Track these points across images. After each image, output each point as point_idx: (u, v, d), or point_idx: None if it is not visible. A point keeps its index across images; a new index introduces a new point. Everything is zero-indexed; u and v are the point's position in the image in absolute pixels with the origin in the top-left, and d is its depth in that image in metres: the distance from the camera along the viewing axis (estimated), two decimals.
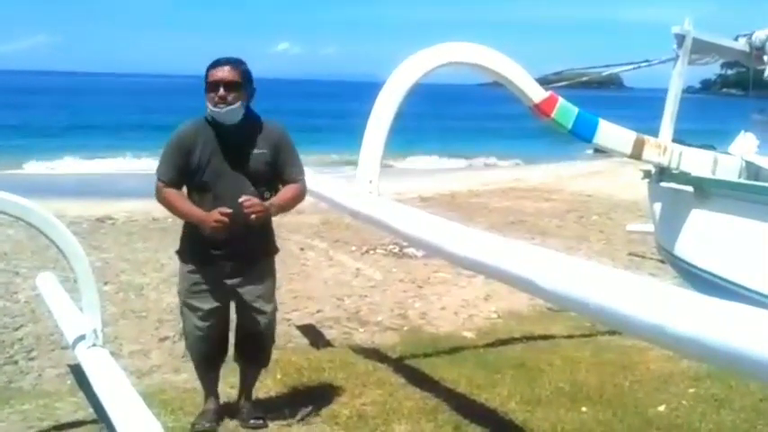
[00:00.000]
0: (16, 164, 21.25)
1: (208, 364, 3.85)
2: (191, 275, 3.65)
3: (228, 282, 3.61)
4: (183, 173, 3.55)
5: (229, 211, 3.36)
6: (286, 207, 3.61)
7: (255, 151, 3.51)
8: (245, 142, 3.51)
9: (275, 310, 3.79)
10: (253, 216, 3.38)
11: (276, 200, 3.53)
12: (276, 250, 3.80)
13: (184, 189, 3.61)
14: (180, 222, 3.70)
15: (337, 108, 48.81)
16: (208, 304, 3.65)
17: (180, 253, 3.72)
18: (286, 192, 3.58)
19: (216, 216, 3.38)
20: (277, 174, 3.59)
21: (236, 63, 3.51)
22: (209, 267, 3.59)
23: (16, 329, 5.59)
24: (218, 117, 3.47)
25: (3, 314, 5.94)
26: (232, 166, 3.49)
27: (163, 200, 3.59)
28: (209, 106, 3.46)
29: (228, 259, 3.56)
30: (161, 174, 3.58)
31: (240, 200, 3.36)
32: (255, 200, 3.41)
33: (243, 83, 3.48)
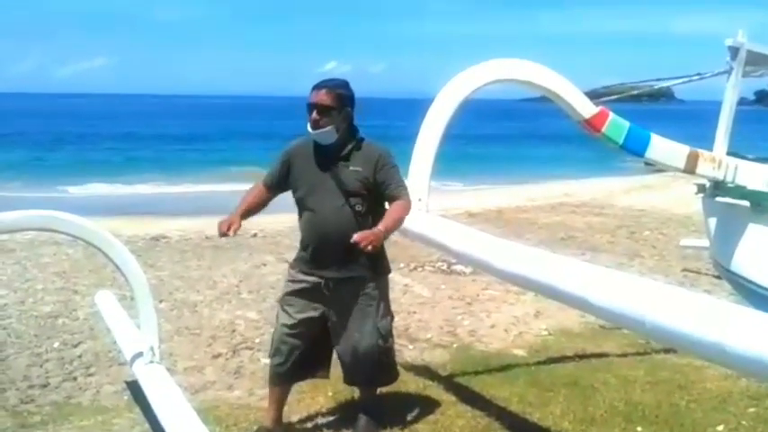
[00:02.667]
0: (73, 183, 21.94)
1: (279, 375, 3.87)
2: (292, 281, 3.80)
3: (325, 297, 3.69)
4: (279, 182, 3.82)
5: (227, 232, 3.62)
6: (395, 226, 3.67)
7: (351, 168, 3.64)
8: (339, 160, 3.66)
9: (376, 332, 3.76)
10: (370, 248, 3.44)
11: (385, 223, 3.58)
12: (386, 269, 3.87)
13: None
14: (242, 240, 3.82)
15: (387, 125, 49.11)
16: (299, 313, 3.74)
17: (291, 263, 3.93)
18: (391, 212, 3.66)
19: (222, 224, 3.67)
20: (377, 191, 3.68)
21: (333, 87, 3.66)
22: (309, 280, 3.72)
23: (75, 346, 5.73)
24: (316, 138, 3.67)
25: (62, 331, 6.10)
26: (324, 180, 3.65)
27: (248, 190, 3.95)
28: (308, 126, 3.66)
29: (327, 273, 3.67)
30: (265, 175, 3.91)
31: (352, 241, 3.45)
32: (364, 233, 3.47)
33: (336, 106, 3.62)
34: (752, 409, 4.18)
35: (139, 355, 3.98)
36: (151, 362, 3.91)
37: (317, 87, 3.64)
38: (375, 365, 3.81)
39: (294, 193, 3.78)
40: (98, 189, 21.72)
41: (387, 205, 3.73)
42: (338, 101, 3.63)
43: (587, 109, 4.58)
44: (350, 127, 3.70)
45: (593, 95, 5.10)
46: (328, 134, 3.62)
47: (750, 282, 4.89)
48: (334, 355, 3.93)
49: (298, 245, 3.88)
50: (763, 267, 4.77)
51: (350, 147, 3.68)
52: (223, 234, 3.65)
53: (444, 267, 8.45)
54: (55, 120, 62.33)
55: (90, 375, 5.13)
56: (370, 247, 3.44)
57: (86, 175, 23.70)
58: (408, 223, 4.08)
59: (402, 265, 8.67)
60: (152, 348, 3.92)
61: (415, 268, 8.53)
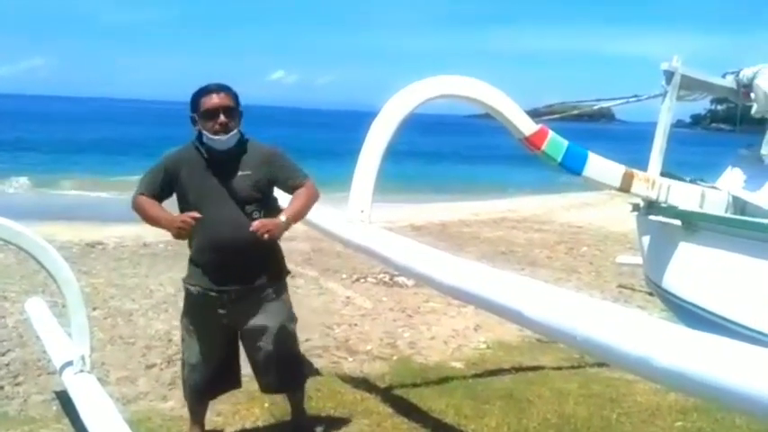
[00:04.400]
0: (5, 186, 21.28)
1: (200, 394, 3.82)
2: (193, 301, 3.66)
3: (229, 309, 3.59)
4: (161, 192, 3.58)
5: (199, 216, 3.37)
6: (300, 214, 3.59)
7: (240, 173, 3.51)
8: (230, 165, 3.52)
9: (288, 334, 3.74)
10: (266, 236, 3.37)
11: (288, 211, 3.54)
12: (285, 272, 3.80)
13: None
14: (180, 248, 3.70)
15: (332, 137, 49.06)
16: (205, 329, 3.65)
17: (185, 279, 3.73)
18: (295, 199, 3.59)
19: (182, 217, 3.41)
20: (280, 187, 3.63)
21: (228, 88, 3.54)
22: (210, 294, 3.58)
23: (3, 354, 5.54)
24: (219, 145, 3.49)
25: None
26: (218, 189, 3.50)
27: (136, 207, 3.59)
28: (208, 134, 3.47)
29: (228, 285, 3.55)
30: (140, 188, 3.61)
31: (251, 229, 3.36)
32: (263, 221, 3.40)
33: (237, 107, 3.53)
34: (679, 423, 4.30)
35: (69, 364, 3.87)
36: (81, 371, 3.82)
37: (214, 91, 3.48)
38: (291, 369, 3.80)
39: (180, 203, 3.59)
40: (32, 192, 21.09)
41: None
42: (237, 102, 3.55)
43: (528, 127, 4.68)
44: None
45: (536, 114, 5.20)
46: (234, 137, 3.51)
47: (680, 299, 5.04)
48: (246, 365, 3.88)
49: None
50: (692, 285, 4.93)
51: (241, 150, 3.56)
52: (186, 226, 3.38)
53: (386, 279, 8.47)
54: None
55: (18, 384, 4.97)
56: (266, 236, 3.35)
57: (19, 178, 23.00)
58: (351, 234, 4.08)
59: (344, 276, 8.67)
60: (83, 357, 3.82)
61: (357, 280, 8.53)
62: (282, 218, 3.49)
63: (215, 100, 3.46)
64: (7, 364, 5.33)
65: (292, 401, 4.00)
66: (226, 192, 3.50)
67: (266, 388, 3.90)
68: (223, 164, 3.52)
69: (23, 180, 22.76)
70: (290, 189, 3.64)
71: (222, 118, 3.44)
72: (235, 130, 3.49)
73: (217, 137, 3.46)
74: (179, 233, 3.41)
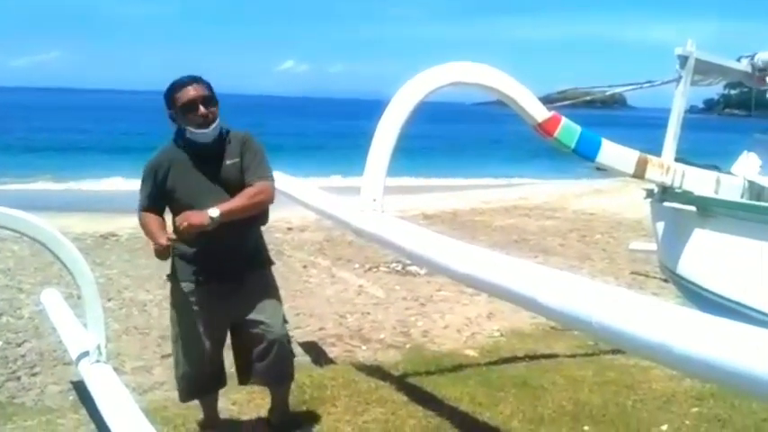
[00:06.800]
0: (20, 178, 21.43)
1: (202, 392, 3.79)
2: (183, 297, 3.56)
3: (222, 302, 3.52)
4: (158, 199, 3.51)
5: (173, 238, 3.27)
6: (234, 213, 3.31)
7: (228, 162, 3.43)
8: (217, 156, 3.43)
9: (282, 322, 3.68)
10: (185, 224, 3.20)
11: (224, 205, 3.28)
12: (270, 262, 3.75)
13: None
14: None
15: (342, 127, 49.03)
16: (201, 327, 3.56)
17: (171, 275, 3.63)
18: (240, 196, 3.36)
19: (159, 241, 3.30)
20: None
21: (201, 78, 3.43)
22: (201, 288, 3.52)
23: (19, 345, 5.60)
24: (203, 138, 3.39)
25: (6, 330, 5.95)
26: (208, 183, 3.42)
27: (140, 223, 3.54)
28: (191, 129, 3.37)
29: (218, 279, 3.50)
30: (139, 204, 3.56)
31: (177, 223, 3.25)
32: (189, 213, 3.25)
33: (215, 96, 3.41)
34: (695, 409, 4.28)
35: (85, 354, 3.90)
36: (97, 361, 3.85)
37: (188, 83, 3.35)
38: (287, 358, 3.72)
39: (171, 204, 3.49)
40: (46, 184, 21.23)
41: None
42: (213, 91, 3.41)
43: (540, 113, 4.65)
44: None
45: (548, 100, 5.17)
46: (217, 128, 3.39)
47: (695, 285, 5.01)
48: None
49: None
50: (707, 271, 4.90)
51: (223, 139, 3.45)
52: (164, 246, 3.29)
53: (399, 268, 8.47)
54: (4, 112, 60.72)
55: (34, 375, 5.02)
56: (185, 224, 3.20)
57: (33, 170, 23.22)
58: (363, 223, 4.08)
59: (357, 265, 8.68)
60: (98, 347, 3.85)
61: (370, 269, 8.54)
62: (214, 213, 3.24)
63: (191, 92, 3.33)
64: (23, 355, 5.38)
65: (277, 395, 3.90)
66: (216, 184, 3.41)
67: (263, 379, 3.76)
68: (209, 157, 3.42)
69: (38, 172, 22.93)
70: (246, 182, 3.42)
71: (202, 109, 3.32)
72: (217, 121, 3.38)
73: (200, 130, 3.36)
74: (157, 255, 3.34)
